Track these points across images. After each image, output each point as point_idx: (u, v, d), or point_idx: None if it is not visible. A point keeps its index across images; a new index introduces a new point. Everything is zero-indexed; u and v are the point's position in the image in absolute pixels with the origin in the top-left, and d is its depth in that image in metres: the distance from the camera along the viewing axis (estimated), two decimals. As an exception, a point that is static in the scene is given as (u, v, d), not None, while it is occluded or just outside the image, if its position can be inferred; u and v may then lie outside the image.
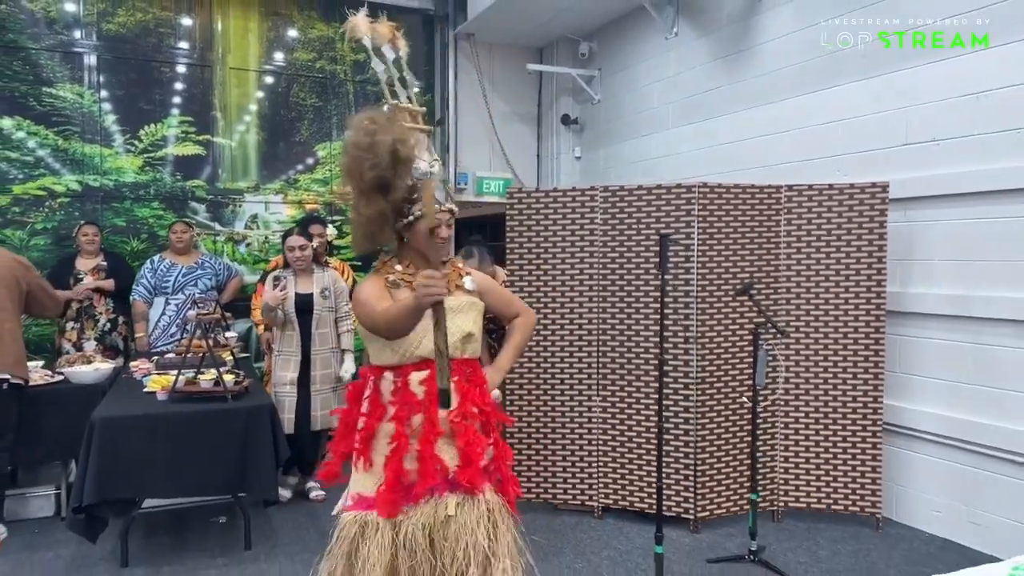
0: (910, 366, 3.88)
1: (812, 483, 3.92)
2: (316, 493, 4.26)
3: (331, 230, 5.03)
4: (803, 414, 3.92)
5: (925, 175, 3.77)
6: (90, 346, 4.71)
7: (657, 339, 3.76)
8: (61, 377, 4.05)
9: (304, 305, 4.15)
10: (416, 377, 2.06)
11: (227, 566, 3.39)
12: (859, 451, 3.83)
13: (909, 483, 3.88)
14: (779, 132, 4.63)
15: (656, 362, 3.81)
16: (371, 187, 1.94)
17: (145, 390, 3.70)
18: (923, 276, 3.83)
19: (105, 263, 4.96)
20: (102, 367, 4.09)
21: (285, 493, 4.16)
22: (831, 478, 3.88)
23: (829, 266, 3.85)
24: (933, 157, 3.75)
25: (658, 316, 3.72)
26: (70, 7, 5.63)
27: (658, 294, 3.73)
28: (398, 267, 2.16)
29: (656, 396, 3.77)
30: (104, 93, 5.75)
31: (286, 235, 4.31)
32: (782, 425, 3.94)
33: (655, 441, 3.84)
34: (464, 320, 2.13)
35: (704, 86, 5.31)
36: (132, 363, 4.39)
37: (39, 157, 5.54)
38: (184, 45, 5.99)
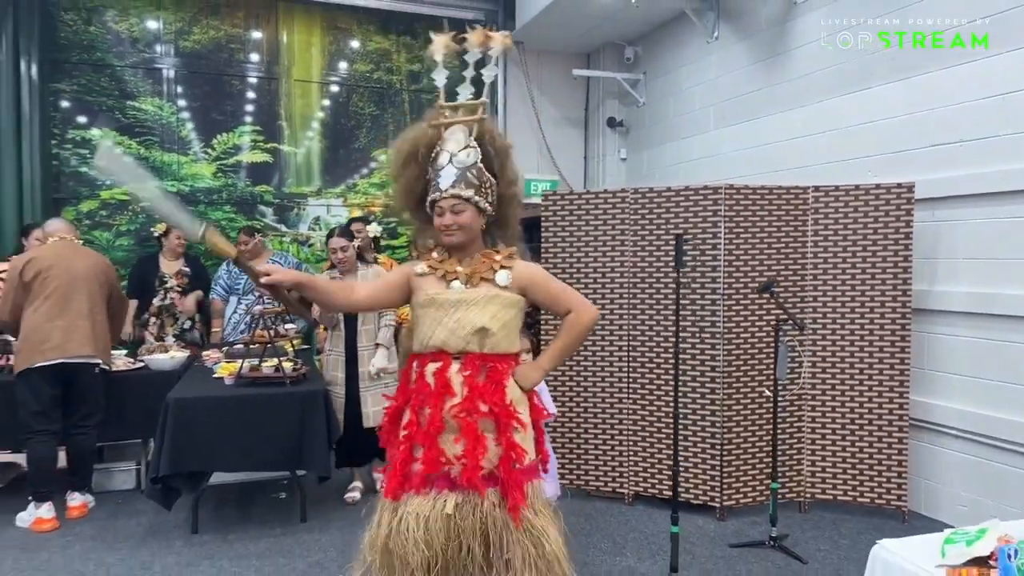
0: (936, 363, 3.95)
1: (839, 476, 4.03)
2: (350, 495, 4.26)
3: (374, 227, 5.11)
4: (830, 408, 4.03)
5: (952, 175, 3.83)
6: (169, 341, 5.17)
7: (684, 334, 3.97)
8: (142, 364, 4.51)
9: None
10: (431, 368, 2.14)
11: (284, 536, 3.74)
12: (885, 445, 3.92)
13: (936, 477, 3.95)
14: (814, 134, 4.73)
15: (684, 356, 4.00)
16: (393, 183, 2.28)
17: (214, 376, 4.10)
18: (949, 274, 3.90)
19: (187, 268, 5.41)
20: (178, 355, 4.53)
21: (354, 495, 4.25)
22: (857, 471, 3.98)
23: (855, 264, 3.95)
24: (959, 158, 3.81)
25: (686, 312, 3.94)
26: (151, 26, 6.16)
27: (686, 291, 3.94)
28: (434, 254, 2.26)
29: (683, 389, 3.98)
30: (182, 104, 6.27)
31: (328, 237, 4.35)
32: (809, 419, 4.06)
33: (683, 432, 4.03)
34: (478, 314, 2.13)
35: (743, 89, 5.43)
36: (204, 352, 4.81)
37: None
38: (253, 59, 6.45)
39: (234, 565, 3.38)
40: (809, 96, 4.78)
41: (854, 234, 3.95)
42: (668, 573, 3.12)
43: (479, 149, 2.19)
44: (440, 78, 2.30)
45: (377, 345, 4.19)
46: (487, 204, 2.18)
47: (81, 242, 4.41)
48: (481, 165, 2.18)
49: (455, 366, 2.13)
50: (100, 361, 4.02)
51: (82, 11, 5.96)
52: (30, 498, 3.89)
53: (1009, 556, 1.49)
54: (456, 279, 2.17)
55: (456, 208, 2.14)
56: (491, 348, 2.15)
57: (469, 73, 2.29)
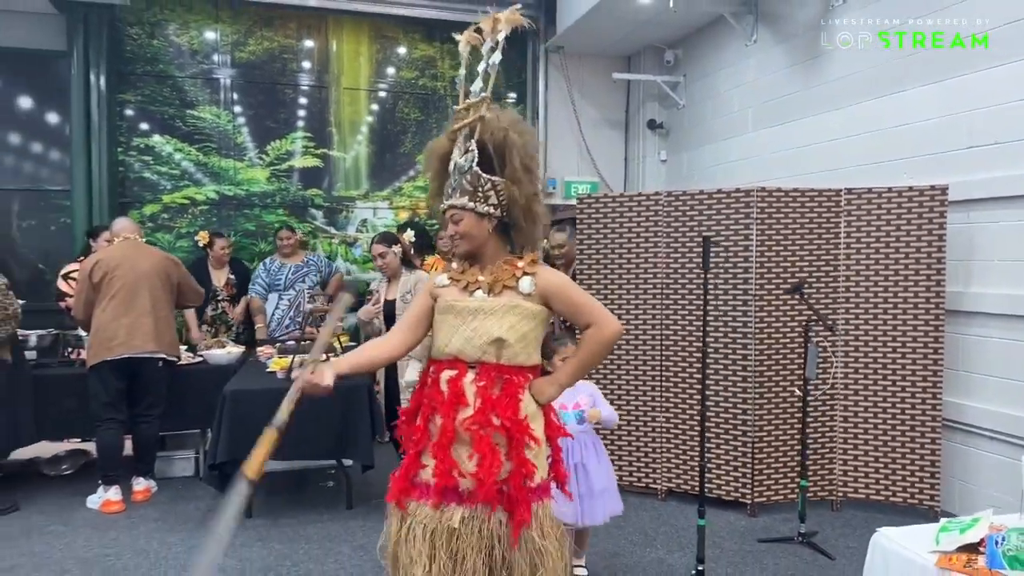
0: (971, 364, 3.96)
1: (871, 475, 4.07)
2: None
3: (408, 234, 4.99)
4: (863, 408, 4.07)
5: (987, 177, 3.84)
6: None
7: (718, 334, 4.07)
8: (201, 359, 4.80)
9: (390, 311, 4.22)
10: (446, 375, 2.07)
11: (331, 521, 3.97)
12: (918, 445, 3.95)
13: (969, 478, 3.96)
14: (849, 136, 4.76)
15: (717, 355, 4.10)
16: (432, 181, 2.23)
17: (268, 370, 4.36)
18: (983, 276, 3.90)
19: (233, 276, 5.72)
20: (234, 351, 4.81)
21: None
22: (890, 471, 4.02)
23: (888, 266, 3.99)
24: (995, 160, 3.82)
25: (718, 313, 4.04)
26: (209, 39, 6.49)
27: (718, 292, 4.04)
28: (454, 264, 2.20)
29: (716, 388, 4.08)
30: (238, 111, 6.59)
31: (372, 243, 4.46)
32: (841, 419, 4.12)
33: (715, 430, 4.13)
34: (495, 323, 2.04)
35: (781, 91, 5.47)
36: (259, 348, 5.09)
37: (184, 170, 6.44)
38: (305, 67, 6.74)
39: (284, 547, 3.62)
40: (845, 98, 4.80)
41: (887, 236, 3.99)
42: (695, 564, 3.23)
43: (476, 151, 2.05)
44: (459, 82, 2.20)
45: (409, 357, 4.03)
46: (489, 207, 2.07)
47: (144, 240, 4.70)
48: (477, 168, 2.05)
49: (470, 375, 2.05)
50: (163, 355, 4.30)
51: (146, 25, 6.33)
52: (99, 482, 4.20)
53: (997, 543, 1.59)
54: (479, 288, 2.09)
55: (455, 217, 2.08)
56: (508, 360, 2.05)
57: (482, 66, 2.15)
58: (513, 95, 7.30)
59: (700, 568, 3.22)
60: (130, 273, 4.26)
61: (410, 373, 4.03)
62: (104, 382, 4.16)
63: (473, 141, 2.05)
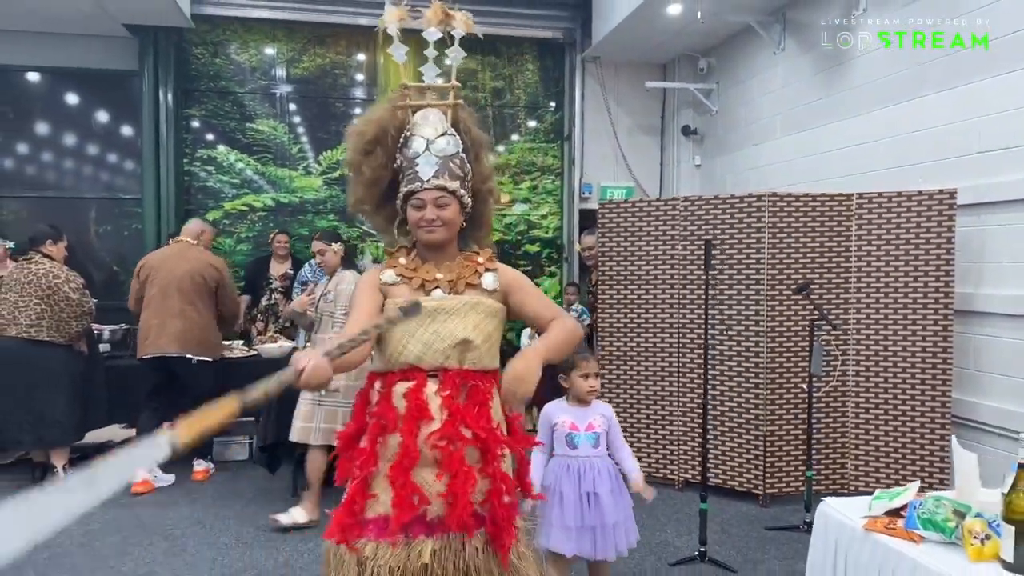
0: (981, 363, 4.06)
1: (882, 470, 4.20)
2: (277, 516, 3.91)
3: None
4: (873, 405, 4.22)
5: (996, 181, 3.94)
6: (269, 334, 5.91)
7: (731, 332, 4.28)
8: (255, 352, 5.23)
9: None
10: (400, 388, 1.81)
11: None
12: (927, 442, 4.08)
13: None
14: (871, 141, 4.88)
15: (730, 353, 4.31)
16: (351, 173, 2.00)
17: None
18: (993, 277, 4.00)
19: (292, 270, 6.16)
20: (284, 344, 5.23)
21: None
22: (900, 466, 4.15)
23: (898, 268, 4.13)
24: (1004, 164, 3.92)
25: (731, 312, 4.25)
26: (267, 56, 6.99)
27: (732, 292, 4.26)
28: (403, 260, 1.95)
29: (729, 384, 4.29)
30: (293, 122, 7.06)
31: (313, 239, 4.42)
32: (853, 415, 4.26)
33: (728, 424, 4.34)
34: (459, 324, 1.81)
35: (807, 98, 5.61)
36: (308, 343, 5.50)
37: (244, 179, 6.94)
38: (356, 80, 7.17)
39: (327, 520, 3.97)
40: (866, 105, 4.93)
41: (897, 239, 4.13)
42: (697, 545, 3.45)
43: (457, 138, 1.94)
44: (399, 53, 2.04)
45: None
46: (468, 200, 1.94)
47: (200, 244, 4.86)
48: (463, 155, 1.94)
49: (432, 386, 1.80)
50: (191, 356, 4.53)
51: (209, 45, 6.85)
52: None
53: (915, 507, 1.80)
54: (437, 287, 1.88)
55: (440, 201, 1.87)
56: (472, 364, 1.82)
57: (431, 52, 2.04)
58: (552, 104, 7.58)
59: (702, 549, 3.44)
60: (167, 275, 4.57)
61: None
62: (144, 375, 4.61)
63: (450, 127, 1.93)
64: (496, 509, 1.80)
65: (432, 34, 2.01)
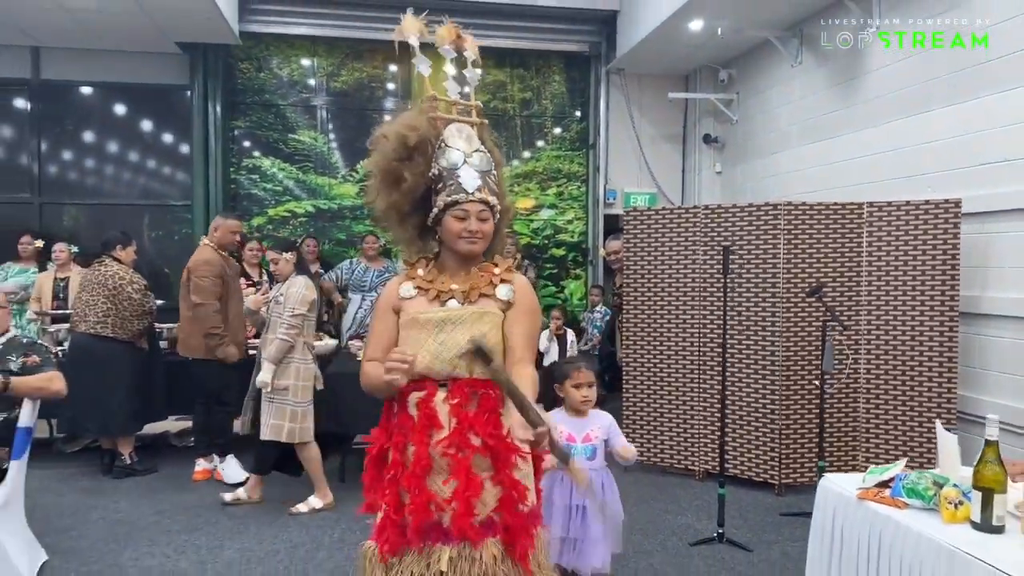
0: (986, 362, 4.32)
1: (891, 463, 4.45)
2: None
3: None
4: (883, 401, 4.48)
5: (999, 191, 4.20)
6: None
7: (748, 332, 4.57)
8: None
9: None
10: (414, 398, 1.85)
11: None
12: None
13: (983, 467, 4.31)
14: (883, 152, 5.15)
15: (748, 352, 4.60)
16: (385, 180, 1.94)
17: (357, 359, 5.11)
18: (997, 281, 4.26)
19: (323, 271, 6.54)
20: (330, 342, 5.59)
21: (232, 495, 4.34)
22: (909, 459, 4.40)
23: (907, 272, 4.39)
24: (1007, 175, 4.17)
25: (749, 313, 4.54)
26: (308, 71, 7.39)
27: (749, 293, 4.55)
28: (420, 271, 1.97)
29: (747, 380, 4.58)
30: (332, 134, 7.46)
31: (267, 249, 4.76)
32: (864, 411, 4.53)
33: (746, 418, 4.63)
34: (466, 333, 1.81)
35: (823, 109, 5.88)
36: (350, 341, 5.86)
37: (285, 187, 7.34)
38: (390, 93, 7.55)
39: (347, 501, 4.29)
40: (878, 118, 5.19)
41: (905, 244, 4.39)
42: (715, 527, 3.76)
43: (488, 155, 1.99)
44: (423, 67, 2.07)
45: (264, 359, 4.13)
46: (497, 215, 1.97)
47: (214, 240, 4.86)
48: (495, 173, 1.98)
49: (441, 394, 1.84)
50: (188, 356, 4.79)
51: (254, 60, 7.27)
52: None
53: (901, 479, 2.10)
54: (452, 298, 1.91)
55: (483, 215, 1.91)
56: (482, 372, 1.79)
57: (451, 69, 2.13)
58: (578, 113, 7.91)
59: (720, 531, 3.75)
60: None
61: (262, 374, 4.07)
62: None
63: (480, 143, 1.99)
64: (509, 517, 1.81)
65: (448, 52, 2.10)
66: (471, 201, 1.89)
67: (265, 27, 7.05)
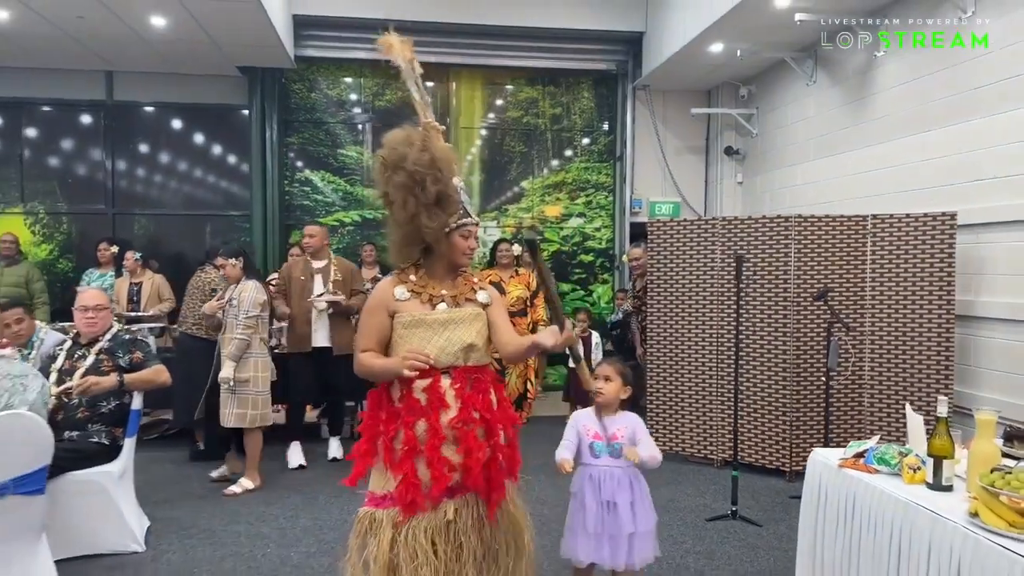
0: (980, 360, 4.73)
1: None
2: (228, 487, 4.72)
3: (516, 248, 5.54)
4: (886, 396, 4.91)
5: (992, 205, 4.61)
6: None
7: (762, 333, 5.03)
8: (353, 348, 6.16)
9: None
10: (420, 384, 2.18)
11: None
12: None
13: (977, 456, 4.72)
14: (889, 167, 5.57)
15: (761, 350, 5.05)
16: (433, 200, 2.18)
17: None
18: (990, 287, 4.67)
19: (381, 275, 7.10)
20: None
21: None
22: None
23: (907, 279, 4.81)
24: (999, 191, 4.58)
25: (763, 316, 5.00)
26: (354, 91, 7.98)
27: (763, 297, 5.00)
28: (412, 277, 2.30)
29: (760, 376, 5.03)
30: (377, 147, 8.03)
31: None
32: (868, 405, 4.96)
33: (760, 410, 5.08)
34: (466, 331, 2.25)
35: (835, 126, 6.31)
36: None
37: (334, 199, 7.93)
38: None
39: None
40: (885, 135, 5.61)
41: (906, 254, 4.82)
42: (729, 505, 4.23)
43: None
44: (418, 93, 2.40)
45: (224, 356, 4.66)
46: None
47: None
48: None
49: (445, 380, 2.21)
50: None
51: (305, 82, 7.88)
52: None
53: (873, 449, 2.57)
54: (442, 301, 2.29)
55: (476, 233, 2.34)
56: (475, 361, 2.28)
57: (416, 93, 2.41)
58: (605, 126, 8.40)
59: (734, 508, 4.22)
60: None
61: (224, 370, 4.59)
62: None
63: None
64: (491, 471, 2.24)
65: (408, 71, 2.38)
66: (476, 224, 2.35)
67: (317, 52, 7.65)
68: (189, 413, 5.30)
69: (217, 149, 7.96)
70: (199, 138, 7.92)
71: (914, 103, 5.30)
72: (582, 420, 2.80)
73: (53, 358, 3.87)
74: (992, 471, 2.08)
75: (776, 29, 6.09)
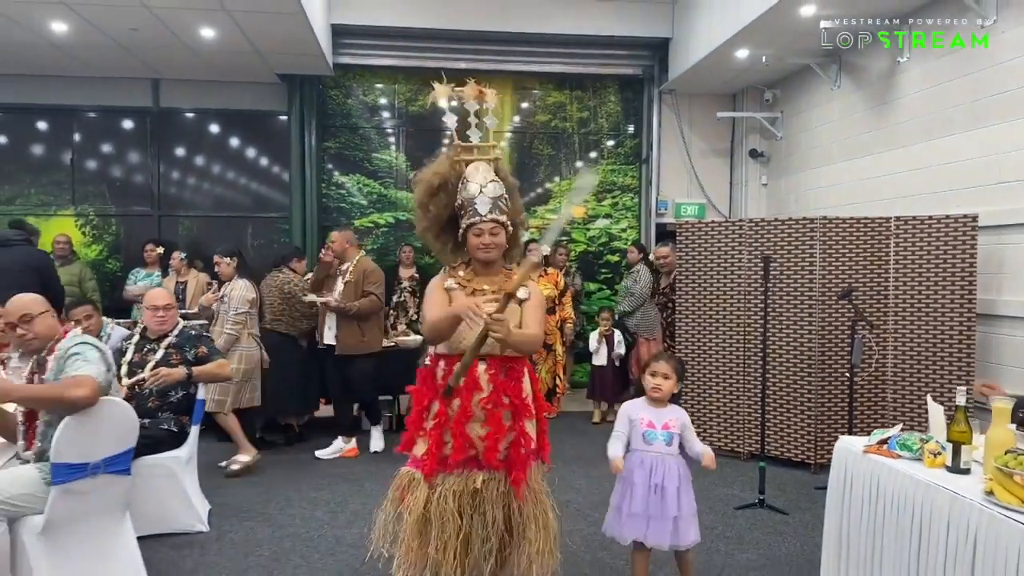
0: (1001, 357, 4.88)
1: (916, 446, 5.06)
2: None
3: (545, 247, 5.78)
4: (908, 391, 5.07)
5: (1012, 207, 4.76)
6: (400, 327, 7.11)
7: (788, 330, 5.21)
8: (392, 344, 6.42)
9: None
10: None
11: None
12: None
13: (998, 450, 4.88)
14: (912, 170, 5.73)
15: (787, 347, 5.24)
16: (419, 210, 2.69)
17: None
18: (1012, 286, 4.82)
19: (417, 276, 7.37)
20: (417, 337, 6.40)
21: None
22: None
23: (930, 278, 4.97)
24: (1019, 193, 4.74)
25: (789, 314, 5.18)
26: (388, 98, 8.25)
27: (789, 296, 5.19)
28: (460, 273, 2.65)
29: (786, 372, 5.22)
30: (410, 151, 8.30)
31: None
32: (891, 399, 5.13)
33: (786, 404, 5.27)
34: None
35: (858, 130, 6.47)
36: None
37: (369, 201, 8.21)
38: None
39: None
40: (907, 139, 5.78)
41: (928, 254, 4.98)
42: (757, 495, 4.43)
43: (501, 183, 2.61)
44: (450, 121, 2.74)
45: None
46: (509, 230, 2.63)
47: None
48: (506, 196, 2.61)
49: (482, 366, 2.52)
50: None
51: (342, 88, 8.16)
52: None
53: (895, 438, 2.77)
54: (484, 294, 2.57)
55: (494, 230, 2.56)
56: (511, 352, 2.53)
57: (473, 120, 2.70)
58: (631, 129, 8.61)
59: (761, 497, 4.42)
60: None
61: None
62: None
63: (494, 175, 2.62)
64: (515, 455, 2.55)
65: (472, 106, 2.70)
66: (484, 221, 2.56)
67: (354, 59, 7.93)
68: (281, 404, 5.57)
69: (256, 153, 8.27)
70: (239, 143, 8.24)
71: (936, 108, 5.46)
72: (634, 410, 3.00)
73: (122, 352, 4.16)
74: (1006, 453, 2.28)
75: (800, 36, 6.26)
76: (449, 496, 2.50)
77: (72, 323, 4.18)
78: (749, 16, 6.01)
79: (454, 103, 2.75)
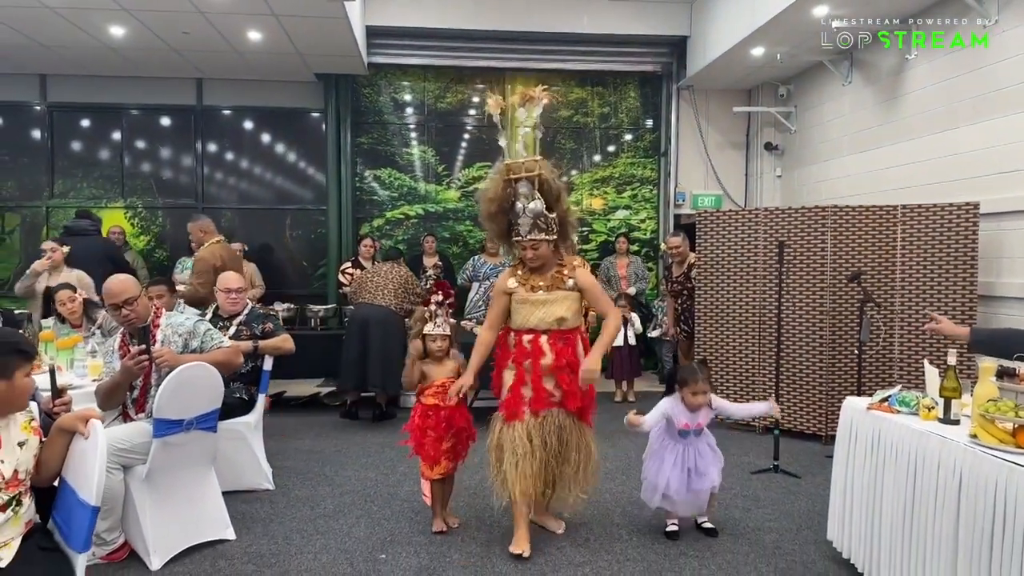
0: (1000, 336, 5.22)
1: (921, 419, 5.42)
2: None
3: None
4: (914, 369, 5.42)
5: (1012, 196, 5.11)
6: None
7: (801, 312, 5.58)
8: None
9: None
10: (526, 339, 3.34)
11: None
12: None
13: (998, 422, 5.23)
14: (916, 162, 6.08)
15: (800, 327, 5.61)
16: (483, 220, 3.56)
17: (472, 332, 6.30)
18: (1009, 270, 5.17)
19: (440, 263, 7.78)
20: (450, 321, 6.81)
21: None
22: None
23: (934, 263, 5.33)
24: (1019, 182, 5.08)
25: (802, 296, 5.55)
26: (418, 94, 8.66)
27: (801, 279, 5.55)
28: (519, 272, 3.43)
29: (799, 350, 5.59)
30: (439, 145, 8.71)
31: None
32: (898, 377, 5.49)
33: (798, 380, 5.64)
34: (558, 308, 3.34)
35: (868, 124, 6.81)
36: (463, 321, 7.07)
37: (400, 193, 8.63)
38: (487, 110, 8.75)
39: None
40: (914, 132, 6.12)
41: (933, 240, 5.33)
42: (771, 461, 4.81)
43: (542, 199, 3.27)
44: (503, 140, 3.33)
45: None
46: (552, 236, 3.35)
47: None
48: (546, 211, 3.27)
49: (544, 338, 3.33)
50: None
51: (374, 86, 8.58)
52: None
53: (895, 395, 3.15)
54: (541, 289, 3.37)
55: (535, 245, 3.33)
56: (566, 327, 3.38)
57: (522, 131, 3.21)
58: (650, 123, 8.97)
59: (776, 463, 4.80)
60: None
61: None
62: None
63: (536, 190, 3.29)
64: (579, 400, 3.39)
65: (522, 113, 3.31)
66: (527, 240, 3.35)
67: (386, 59, 8.34)
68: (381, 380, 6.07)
69: (293, 149, 8.71)
70: (278, 138, 8.68)
71: (942, 102, 5.80)
72: (674, 412, 3.63)
73: (194, 330, 4.59)
74: (988, 401, 2.66)
75: (814, 35, 6.60)
76: (518, 427, 3.30)
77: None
78: (765, 16, 6.36)
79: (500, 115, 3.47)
